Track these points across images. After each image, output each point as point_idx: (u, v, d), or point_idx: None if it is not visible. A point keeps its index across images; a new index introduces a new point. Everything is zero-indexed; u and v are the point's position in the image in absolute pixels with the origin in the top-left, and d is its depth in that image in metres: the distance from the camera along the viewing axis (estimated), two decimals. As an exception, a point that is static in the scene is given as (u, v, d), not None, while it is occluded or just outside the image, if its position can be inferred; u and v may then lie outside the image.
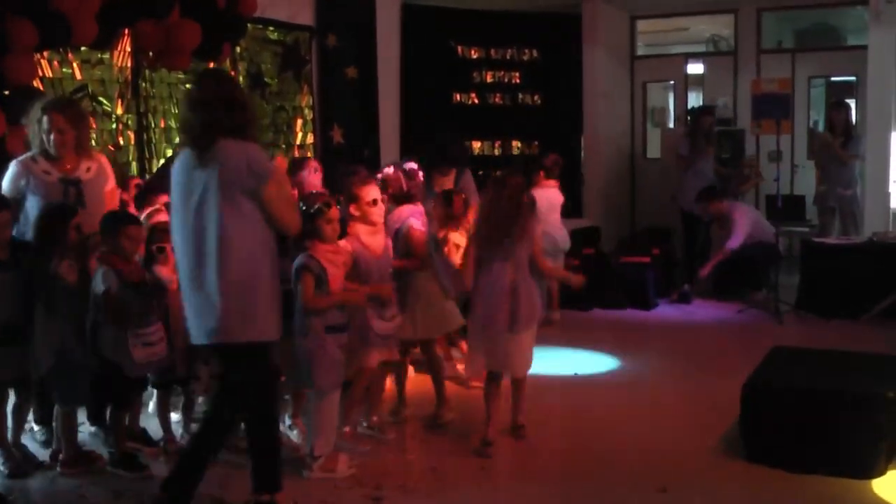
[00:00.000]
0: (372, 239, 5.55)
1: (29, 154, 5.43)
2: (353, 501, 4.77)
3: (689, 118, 11.96)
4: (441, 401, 6.08)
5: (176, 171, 4.39)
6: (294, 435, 5.67)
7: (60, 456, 5.17)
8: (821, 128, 12.48)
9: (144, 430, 5.63)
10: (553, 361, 7.42)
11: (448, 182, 7.29)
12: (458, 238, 6.29)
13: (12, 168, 5.37)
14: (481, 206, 5.73)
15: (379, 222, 5.61)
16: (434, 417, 6.01)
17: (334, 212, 5.17)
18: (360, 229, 5.52)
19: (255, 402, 4.51)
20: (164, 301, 5.29)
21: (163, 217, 5.92)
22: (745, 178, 11.12)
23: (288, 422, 5.74)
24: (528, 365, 5.67)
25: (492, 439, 5.49)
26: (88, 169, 5.50)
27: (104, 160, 5.74)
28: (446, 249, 6.23)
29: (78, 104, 6.01)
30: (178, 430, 5.65)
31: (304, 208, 4.96)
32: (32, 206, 5.27)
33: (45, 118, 5.32)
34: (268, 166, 4.35)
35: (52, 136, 5.30)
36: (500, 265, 5.43)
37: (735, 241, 9.50)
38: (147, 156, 8.19)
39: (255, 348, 4.38)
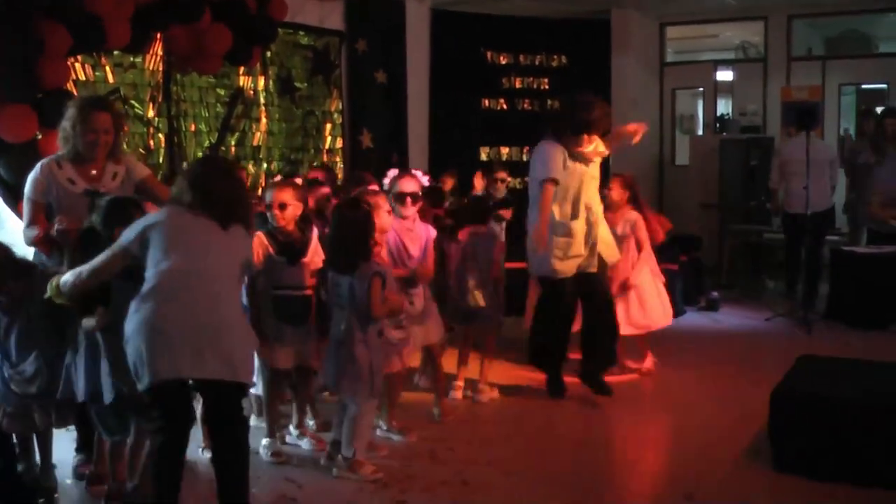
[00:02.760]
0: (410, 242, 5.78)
1: (54, 157, 5.05)
2: (378, 502, 4.78)
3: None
4: (439, 400, 6.30)
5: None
6: (305, 443, 5.68)
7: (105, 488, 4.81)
8: (852, 136, 12.41)
9: None
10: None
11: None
12: None
13: (37, 171, 4.99)
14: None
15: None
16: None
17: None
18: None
19: None
20: None
21: None
22: None
23: (295, 432, 5.77)
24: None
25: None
26: (115, 175, 5.11)
27: (131, 160, 5.39)
28: None
29: (116, 106, 5.80)
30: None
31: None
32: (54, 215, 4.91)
33: (89, 117, 4.94)
34: None
35: (96, 137, 4.95)
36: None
37: None
38: (177, 159, 8.25)
39: None
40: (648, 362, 7.42)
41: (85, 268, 4.19)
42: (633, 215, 7.20)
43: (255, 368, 4.29)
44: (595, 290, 6.67)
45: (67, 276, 4.23)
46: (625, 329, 7.05)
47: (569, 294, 6.61)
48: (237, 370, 4.06)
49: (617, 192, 7.21)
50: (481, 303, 6.53)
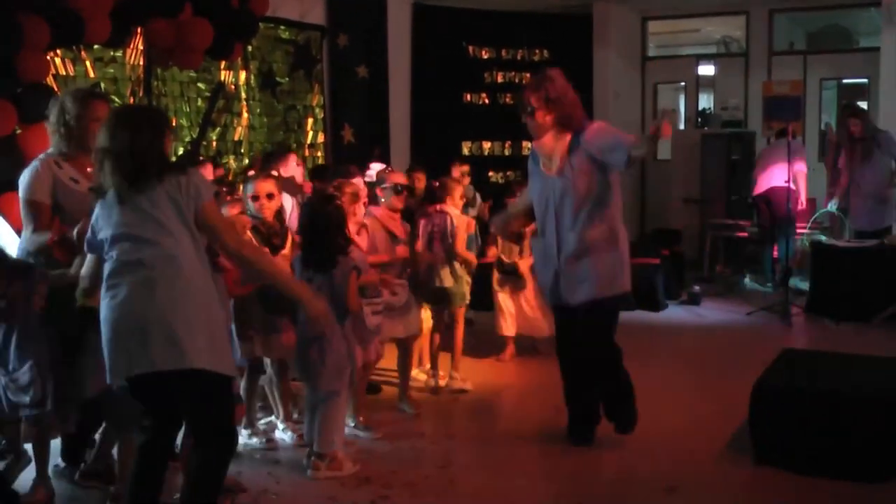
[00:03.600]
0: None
1: (48, 155, 4.64)
2: (361, 499, 4.77)
3: None
4: (404, 394, 6.31)
5: None
6: (288, 437, 5.65)
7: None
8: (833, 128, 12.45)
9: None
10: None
11: None
12: None
13: (36, 168, 4.56)
14: None
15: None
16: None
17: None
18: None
19: None
20: None
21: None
22: None
23: (281, 425, 5.74)
24: None
25: None
26: None
27: None
28: None
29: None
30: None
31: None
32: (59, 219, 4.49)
33: (92, 106, 4.58)
34: None
35: (98, 127, 4.32)
36: None
37: None
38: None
39: None
40: None
41: (83, 274, 4.04)
42: None
43: (219, 350, 3.83)
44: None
45: (85, 283, 4.05)
46: None
47: (560, 324, 5.57)
48: (186, 356, 3.68)
49: None
50: (448, 283, 6.57)
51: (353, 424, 5.76)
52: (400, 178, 6.24)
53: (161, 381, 3.77)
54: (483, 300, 7.68)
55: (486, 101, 12.16)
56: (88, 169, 4.58)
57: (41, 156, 4.65)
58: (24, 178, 4.56)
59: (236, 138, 9.19)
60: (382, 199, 6.17)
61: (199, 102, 8.68)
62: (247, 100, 9.29)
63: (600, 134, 5.22)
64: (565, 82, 5.38)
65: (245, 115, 9.28)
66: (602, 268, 5.22)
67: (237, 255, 3.95)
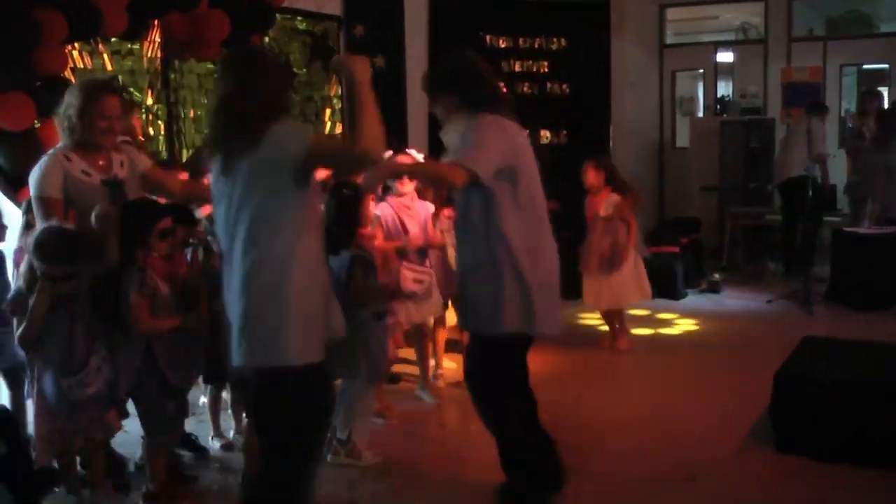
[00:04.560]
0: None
1: (58, 149, 4.53)
2: (381, 489, 4.79)
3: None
4: (423, 383, 6.38)
5: None
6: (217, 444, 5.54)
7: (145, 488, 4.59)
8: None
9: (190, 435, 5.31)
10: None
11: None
12: None
13: (45, 163, 4.44)
14: None
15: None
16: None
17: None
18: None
19: None
20: None
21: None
22: None
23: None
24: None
25: None
26: (122, 164, 4.61)
27: (131, 150, 4.85)
28: None
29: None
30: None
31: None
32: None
33: (100, 102, 4.43)
34: None
35: (108, 125, 4.46)
36: None
37: None
38: (177, 146, 8.23)
39: None
40: (623, 342, 7.46)
41: None
42: (615, 197, 7.23)
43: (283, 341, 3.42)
44: None
45: None
46: (598, 304, 7.50)
47: None
48: (269, 352, 3.40)
49: (592, 176, 7.28)
50: None
51: None
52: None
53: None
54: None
55: (504, 90, 12.09)
56: (101, 162, 4.55)
57: (51, 150, 4.56)
58: (33, 175, 4.46)
59: (254, 129, 9.20)
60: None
61: (217, 94, 8.69)
62: (264, 91, 9.29)
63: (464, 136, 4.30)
64: (473, 55, 4.60)
65: (263, 106, 9.28)
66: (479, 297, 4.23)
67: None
